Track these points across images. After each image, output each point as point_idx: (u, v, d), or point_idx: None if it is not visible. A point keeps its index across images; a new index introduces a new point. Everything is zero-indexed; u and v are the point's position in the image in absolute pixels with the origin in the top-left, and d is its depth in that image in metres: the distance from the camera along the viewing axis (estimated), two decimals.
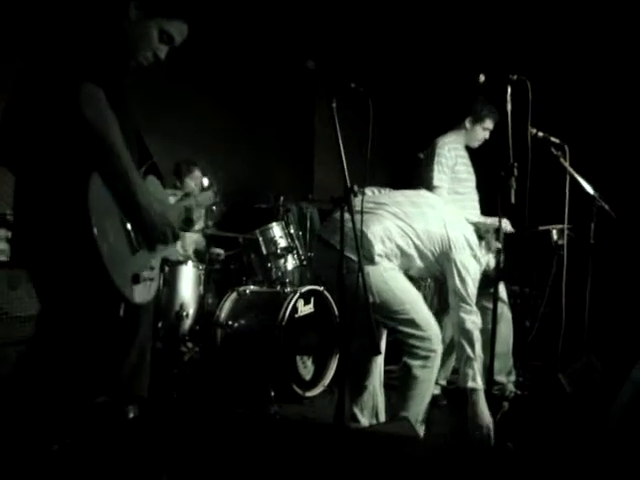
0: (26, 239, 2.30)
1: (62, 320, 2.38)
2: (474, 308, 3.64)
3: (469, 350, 3.57)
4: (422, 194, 4.00)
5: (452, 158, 4.70)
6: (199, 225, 5.45)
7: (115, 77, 2.39)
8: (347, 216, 2.75)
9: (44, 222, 2.24)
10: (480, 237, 3.83)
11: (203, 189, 3.53)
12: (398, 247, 3.52)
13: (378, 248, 3.43)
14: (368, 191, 3.84)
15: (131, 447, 2.56)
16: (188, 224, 3.04)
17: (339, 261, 2.71)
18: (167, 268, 4.80)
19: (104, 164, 2.27)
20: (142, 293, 2.49)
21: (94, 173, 2.25)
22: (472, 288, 3.64)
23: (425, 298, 3.68)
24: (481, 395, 3.56)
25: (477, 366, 3.58)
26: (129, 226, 2.43)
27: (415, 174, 4.93)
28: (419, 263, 3.63)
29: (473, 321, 3.60)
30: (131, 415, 2.57)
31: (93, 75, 2.23)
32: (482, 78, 3.68)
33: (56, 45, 2.31)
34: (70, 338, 2.38)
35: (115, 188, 2.33)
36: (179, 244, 5.58)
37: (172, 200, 3.05)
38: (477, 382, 3.56)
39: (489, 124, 4.83)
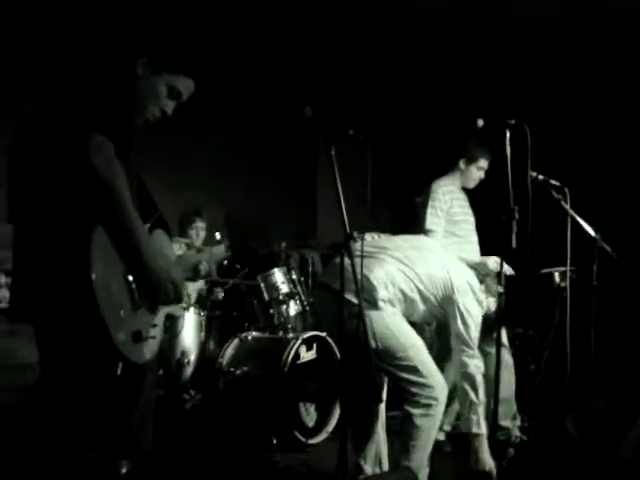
0: (25, 291, 2.26)
1: (59, 373, 2.34)
2: (476, 352, 3.62)
3: (472, 395, 3.54)
4: (421, 239, 4.01)
5: (447, 201, 4.72)
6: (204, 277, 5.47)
7: (122, 130, 2.39)
8: (348, 262, 2.75)
9: (44, 274, 2.21)
10: (480, 281, 3.83)
11: (217, 242, 3.49)
12: (401, 291, 3.50)
13: (382, 293, 3.41)
14: (368, 236, 3.85)
15: None
16: (194, 276, 3.02)
17: (339, 306, 2.70)
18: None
19: (109, 217, 2.23)
20: (143, 352, 2.43)
21: (98, 226, 2.21)
22: (474, 332, 3.62)
23: (428, 345, 3.65)
24: (484, 440, 3.53)
25: (481, 411, 3.54)
26: (132, 282, 2.37)
27: (414, 218, 4.95)
28: (422, 307, 3.61)
29: (476, 365, 3.58)
30: (124, 470, 2.52)
31: (103, 127, 2.22)
32: (480, 123, 3.71)
33: (66, 95, 2.32)
34: (66, 391, 2.34)
35: (119, 242, 2.27)
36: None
37: (179, 252, 3.04)
38: (481, 427, 3.53)
39: (483, 163, 4.86)
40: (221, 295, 5.54)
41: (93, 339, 2.20)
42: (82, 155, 2.17)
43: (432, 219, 4.67)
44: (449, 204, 4.74)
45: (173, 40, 2.71)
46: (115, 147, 2.26)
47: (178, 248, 3.52)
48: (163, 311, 2.63)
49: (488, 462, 3.49)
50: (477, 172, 4.89)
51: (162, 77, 2.55)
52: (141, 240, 2.32)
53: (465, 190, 4.98)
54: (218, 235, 3.72)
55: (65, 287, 2.17)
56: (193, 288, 5.65)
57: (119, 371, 2.38)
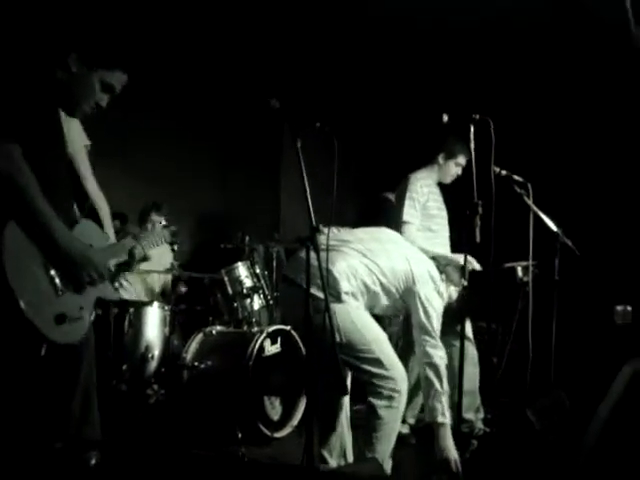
0: None
1: None
2: (439, 342, 3.65)
3: (437, 384, 3.57)
4: (383, 230, 4.02)
5: (424, 194, 4.74)
6: (164, 265, 5.42)
7: (44, 126, 2.54)
8: (313, 255, 2.75)
9: None
10: (440, 271, 3.86)
11: (162, 227, 3.54)
12: (364, 284, 3.52)
13: (344, 286, 3.42)
14: (329, 230, 3.86)
15: None
16: (131, 262, 3.05)
17: (305, 300, 2.70)
18: (132, 309, 4.74)
19: (16, 209, 2.39)
20: (69, 332, 2.53)
21: (10, 222, 2.36)
22: (436, 322, 3.65)
23: (390, 338, 3.67)
24: (448, 429, 3.56)
25: (445, 400, 3.58)
26: (52, 270, 2.49)
27: (380, 213, 4.96)
28: (384, 300, 3.63)
29: (440, 356, 3.62)
30: (93, 462, 2.53)
31: (7, 132, 2.37)
32: (445, 118, 3.73)
33: None
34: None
35: (31, 232, 2.41)
36: (144, 285, 5.54)
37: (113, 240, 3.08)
38: (446, 416, 3.56)
39: (462, 160, 4.88)
40: (183, 289, 5.51)
41: (11, 324, 2.35)
42: None
43: (409, 211, 4.69)
44: (425, 197, 4.76)
45: (128, 33, 2.79)
46: (25, 146, 2.40)
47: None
48: (92, 294, 2.70)
49: (452, 451, 3.52)
50: (455, 168, 4.92)
51: (96, 73, 2.67)
52: (51, 226, 2.44)
53: (442, 184, 5.01)
54: (164, 221, 3.82)
55: None
56: (157, 282, 5.63)
57: (43, 351, 2.50)
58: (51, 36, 2.89)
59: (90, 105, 2.71)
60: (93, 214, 2.94)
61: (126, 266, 3.08)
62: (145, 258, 3.14)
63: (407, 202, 4.71)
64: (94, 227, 2.87)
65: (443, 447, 3.55)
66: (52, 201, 2.47)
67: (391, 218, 4.78)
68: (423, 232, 4.72)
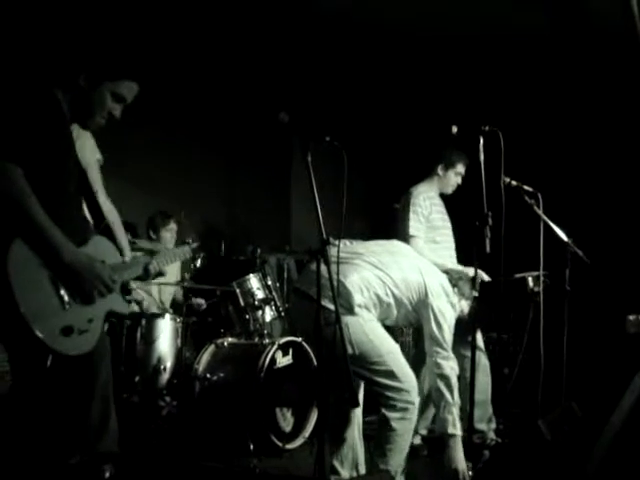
0: None
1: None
2: (451, 354, 3.66)
3: (448, 396, 3.58)
4: (395, 243, 4.03)
5: (427, 207, 4.75)
6: (176, 277, 5.45)
7: (50, 143, 2.58)
8: (323, 267, 2.76)
9: None
10: (453, 285, 3.87)
11: (183, 242, 3.56)
12: (377, 296, 3.53)
13: (357, 298, 3.43)
14: (341, 243, 3.87)
15: None
16: (145, 278, 3.10)
17: (316, 313, 2.71)
18: (144, 321, 4.77)
19: (24, 230, 2.44)
20: (77, 344, 2.56)
21: (17, 238, 2.42)
22: (448, 334, 3.66)
23: (402, 348, 3.68)
24: (459, 441, 3.57)
25: (456, 412, 3.58)
26: (59, 284, 2.54)
27: (391, 224, 4.97)
28: (396, 312, 3.64)
29: (451, 367, 3.62)
30: (107, 475, 2.55)
31: (7, 152, 2.43)
32: (455, 129, 3.75)
33: None
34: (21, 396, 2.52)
35: (38, 249, 2.47)
36: (157, 297, 5.57)
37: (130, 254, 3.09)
38: (456, 428, 3.56)
39: (461, 168, 4.89)
40: (203, 307, 5.54)
41: (17, 336, 2.43)
42: None
43: (415, 225, 4.69)
44: (429, 210, 4.77)
45: (145, 44, 2.82)
46: (29, 164, 2.47)
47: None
48: (102, 307, 2.73)
49: (462, 462, 3.53)
50: (455, 177, 4.92)
51: (105, 86, 2.74)
52: (55, 241, 2.49)
53: (443, 195, 5.02)
54: (190, 239, 3.87)
55: None
56: (168, 293, 5.65)
57: (49, 362, 2.59)
58: (57, 54, 2.96)
59: (103, 116, 2.78)
60: (109, 231, 2.95)
61: (140, 280, 3.11)
62: (161, 274, 3.15)
63: (412, 216, 4.71)
64: (107, 244, 2.90)
65: (453, 458, 3.55)
66: (59, 217, 2.53)
67: (397, 232, 4.79)
68: (427, 244, 4.73)
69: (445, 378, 3.60)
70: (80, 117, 2.78)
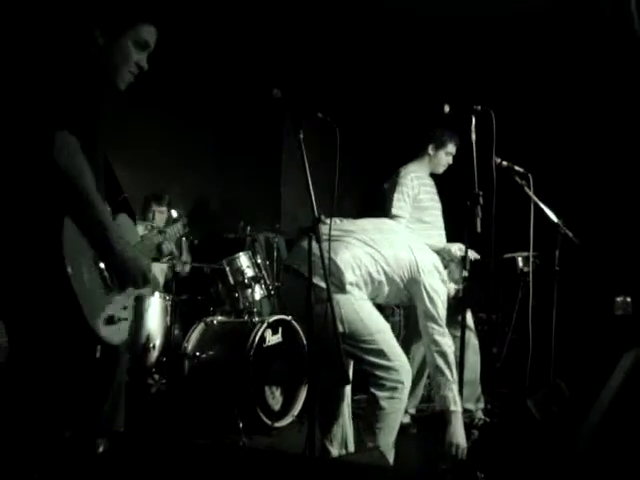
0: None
1: (32, 358, 2.39)
2: (446, 330, 3.66)
3: (447, 372, 3.58)
4: (386, 221, 4.04)
5: (415, 187, 4.75)
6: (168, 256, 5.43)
7: (88, 116, 2.41)
8: (314, 245, 2.76)
9: (18, 267, 2.26)
10: (444, 266, 3.87)
11: (174, 221, 3.50)
12: (368, 274, 3.52)
13: (349, 276, 3.43)
14: (332, 221, 3.86)
15: None
16: (159, 256, 3.05)
17: (307, 290, 2.70)
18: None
19: (78, 212, 2.31)
20: (117, 333, 2.51)
21: (67, 218, 2.28)
22: (442, 310, 3.66)
23: (392, 328, 3.68)
24: (460, 418, 3.59)
25: (456, 388, 3.59)
26: (102, 266, 2.45)
27: (378, 203, 4.97)
28: (387, 290, 3.64)
29: (448, 344, 3.62)
30: (101, 449, 2.54)
31: (66, 122, 2.27)
32: (447, 109, 3.74)
33: (24, 91, 2.34)
34: (39, 374, 2.39)
35: (90, 234, 2.36)
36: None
37: (142, 233, 3.04)
38: (457, 404, 3.58)
39: (451, 148, 4.89)
40: (187, 268, 5.54)
41: (72, 327, 2.30)
42: (47, 156, 2.23)
43: (399, 204, 4.69)
44: (416, 190, 4.77)
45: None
46: (81, 138, 2.31)
47: (143, 229, 3.53)
48: (133, 293, 2.68)
49: (463, 439, 3.55)
50: (445, 157, 4.92)
51: (125, 36, 2.56)
52: (110, 231, 2.41)
53: (433, 175, 5.02)
54: (175, 213, 3.71)
55: (41, 282, 2.24)
56: (159, 272, 5.64)
57: (98, 354, 2.48)
58: (68, 18, 2.82)
59: (131, 71, 2.61)
60: (125, 206, 2.85)
61: (155, 261, 3.07)
62: (172, 253, 3.12)
63: (396, 196, 4.72)
64: (128, 223, 2.80)
65: (454, 435, 3.57)
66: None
67: (383, 211, 4.79)
68: (415, 224, 4.73)
69: (443, 355, 3.60)
70: (107, 77, 2.58)
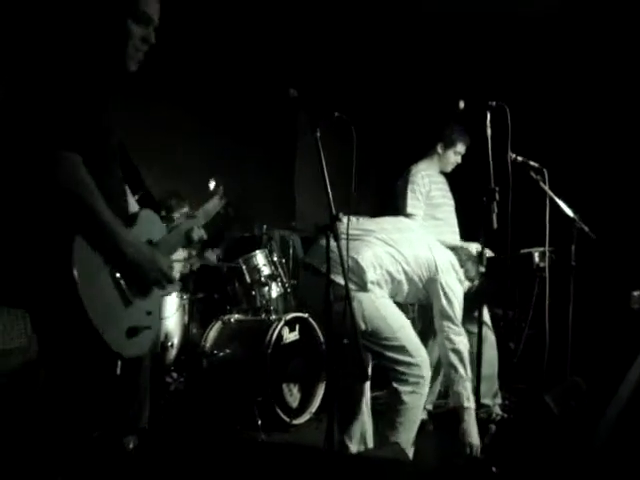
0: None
1: (57, 371, 2.34)
2: (462, 329, 3.69)
3: (462, 370, 3.62)
4: (403, 220, 4.06)
5: (426, 185, 4.77)
6: (183, 255, 5.45)
7: (99, 120, 2.34)
8: (333, 243, 2.77)
9: (32, 294, 2.19)
10: (461, 265, 3.89)
11: (210, 194, 3.34)
12: (389, 273, 3.55)
13: (370, 275, 3.46)
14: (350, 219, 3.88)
15: (133, 477, 2.56)
16: (188, 244, 2.92)
17: (326, 288, 2.72)
18: None
19: (84, 228, 2.22)
20: (141, 344, 2.45)
21: (78, 237, 2.19)
22: (459, 310, 3.70)
23: (413, 324, 3.70)
24: (473, 414, 3.60)
25: (469, 386, 3.61)
26: (120, 278, 2.36)
27: (392, 202, 4.98)
28: (407, 289, 3.67)
29: (463, 342, 3.66)
30: (131, 446, 2.56)
31: (67, 140, 2.18)
32: (462, 105, 3.74)
33: (25, 107, 2.23)
34: (67, 386, 2.35)
35: (100, 248, 2.27)
36: None
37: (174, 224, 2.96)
38: (471, 401, 3.60)
39: (460, 148, 4.90)
40: (214, 258, 5.56)
41: (88, 347, 2.23)
42: (47, 175, 2.17)
43: (412, 203, 4.71)
44: (428, 188, 4.79)
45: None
46: (85, 150, 2.22)
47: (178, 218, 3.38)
48: (158, 296, 2.60)
49: (475, 436, 3.57)
50: (454, 156, 4.93)
51: (122, 14, 2.41)
52: (119, 239, 2.30)
53: (445, 173, 5.02)
54: (212, 184, 3.44)
55: (53, 302, 2.16)
56: (175, 270, 5.66)
57: (119, 370, 2.42)
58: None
59: (137, 48, 2.45)
60: (147, 201, 2.83)
61: (185, 247, 2.97)
62: (203, 239, 2.98)
63: (409, 194, 4.75)
64: (153, 217, 2.70)
65: (467, 432, 3.59)
66: (109, 200, 2.30)
67: (398, 210, 4.81)
68: (427, 221, 4.74)
69: (458, 353, 3.64)
70: (116, 62, 2.45)
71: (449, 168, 5.00)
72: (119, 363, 2.42)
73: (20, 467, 2.35)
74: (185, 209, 5.50)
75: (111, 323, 2.26)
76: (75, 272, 2.11)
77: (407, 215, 4.67)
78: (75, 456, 2.36)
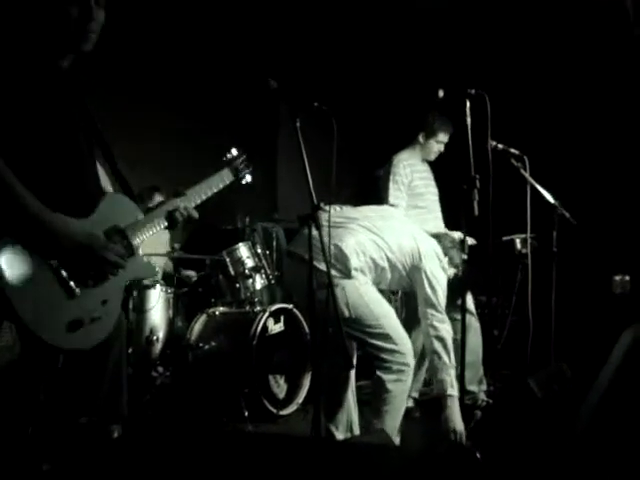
0: None
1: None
2: (445, 316, 3.71)
3: (445, 357, 3.64)
4: (387, 209, 4.08)
5: (408, 175, 4.77)
6: (165, 248, 5.44)
7: (39, 114, 2.23)
8: (316, 232, 2.78)
9: None
10: (445, 253, 3.91)
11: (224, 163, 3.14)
12: (372, 260, 3.57)
13: (354, 262, 3.47)
14: (331, 208, 3.88)
15: (116, 466, 2.56)
16: (172, 225, 2.66)
17: (308, 276, 2.73)
18: (135, 292, 4.78)
19: (10, 226, 2.11)
20: (89, 336, 2.32)
21: (3, 239, 2.09)
22: (442, 297, 3.71)
23: (396, 312, 3.72)
24: (456, 401, 3.63)
25: (453, 373, 3.63)
26: (61, 271, 2.22)
27: (374, 191, 4.99)
28: (390, 276, 3.69)
29: (447, 330, 3.68)
30: (115, 434, 2.55)
31: None
32: (441, 93, 3.75)
33: None
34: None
35: (32, 244, 2.14)
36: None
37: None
38: (454, 389, 3.63)
39: (443, 137, 4.89)
40: (193, 278, 5.55)
41: (24, 342, 2.22)
42: None
43: (395, 193, 4.73)
44: (410, 177, 4.80)
45: None
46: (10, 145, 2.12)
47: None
48: (118, 282, 2.43)
49: (459, 423, 3.59)
50: (437, 145, 4.93)
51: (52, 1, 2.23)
52: (51, 229, 2.17)
53: (429, 161, 5.03)
54: (235, 151, 3.33)
55: None
56: (158, 265, 5.65)
57: (60, 363, 2.38)
58: None
59: (86, 29, 2.27)
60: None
61: (170, 230, 2.80)
62: (191, 218, 2.73)
63: (391, 185, 4.75)
64: (121, 201, 2.54)
65: (451, 419, 3.61)
66: (51, 189, 2.20)
67: (380, 200, 4.81)
68: (411, 210, 4.75)
69: (442, 340, 3.66)
70: (63, 48, 2.32)
71: (432, 157, 5.00)
72: (61, 357, 2.37)
73: (7, 454, 2.33)
74: (157, 198, 5.40)
75: (46, 319, 2.17)
76: (2, 270, 2.06)
77: (390, 206, 4.68)
78: (61, 443, 2.36)
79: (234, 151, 3.22)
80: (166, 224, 2.63)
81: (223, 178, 3.04)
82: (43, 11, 2.24)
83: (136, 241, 2.48)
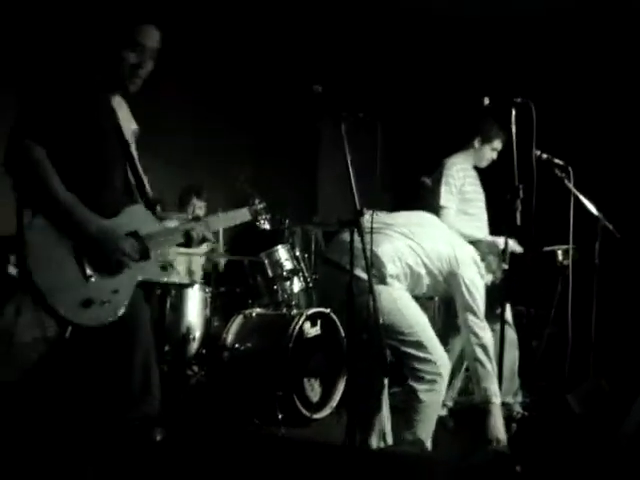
0: None
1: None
2: (486, 324, 3.68)
3: (489, 365, 3.62)
4: (424, 215, 4.04)
5: (460, 178, 4.72)
6: (206, 248, 5.47)
7: (77, 120, 2.65)
8: (356, 237, 2.78)
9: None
10: (482, 258, 3.88)
11: (244, 204, 3.46)
12: (408, 266, 3.55)
13: (390, 268, 3.46)
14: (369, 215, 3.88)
15: (157, 468, 2.59)
16: (188, 243, 2.99)
17: (348, 282, 2.72)
18: (173, 291, 4.82)
19: (45, 207, 2.54)
20: (96, 315, 2.58)
21: (38, 215, 2.53)
22: (481, 304, 3.69)
23: (431, 322, 3.69)
24: (499, 410, 3.61)
25: (496, 381, 3.60)
26: (82, 254, 2.60)
27: (419, 197, 4.95)
28: (426, 282, 3.67)
29: (488, 337, 3.65)
30: (158, 438, 2.59)
31: (34, 133, 2.55)
32: (487, 101, 3.73)
33: (22, 100, 2.64)
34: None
35: (60, 226, 2.55)
36: (185, 267, 5.60)
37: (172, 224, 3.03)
38: (498, 397, 3.61)
39: (498, 144, 4.84)
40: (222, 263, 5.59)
41: (42, 309, 2.52)
42: (14, 157, 2.57)
43: (446, 196, 4.66)
44: (462, 182, 4.74)
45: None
46: (52, 143, 2.58)
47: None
48: (131, 277, 2.72)
49: (502, 430, 3.58)
50: (490, 153, 4.87)
51: (117, 46, 2.73)
52: (78, 217, 2.58)
53: (478, 168, 4.99)
54: (255, 200, 3.60)
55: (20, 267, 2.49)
56: (197, 264, 5.69)
57: (68, 334, 2.68)
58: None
59: (132, 73, 2.76)
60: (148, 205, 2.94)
61: (185, 247, 3.06)
62: (205, 239, 3.04)
63: (444, 187, 4.69)
64: (142, 212, 2.86)
65: (495, 426, 3.59)
66: (88, 191, 2.62)
67: (428, 203, 4.77)
68: (459, 216, 4.71)
69: (484, 348, 3.64)
70: (114, 84, 2.80)
71: (484, 164, 4.94)
72: (69, 328, 2.66)
73: (50, 457, 2.43)
74: (194, 201, 5.53)
75: (62, 290, 2.51)
76: (28, 239, 2.48)
77: (441, 207, 4.62)
78: (104, 446, 2.43)
79: (257, 200, 3.57)
80: (182, 241, 2.97)
81: (241, 217, 3.36)
82: (106, 53, 2.75)
83: (154, 251, 2.81)
